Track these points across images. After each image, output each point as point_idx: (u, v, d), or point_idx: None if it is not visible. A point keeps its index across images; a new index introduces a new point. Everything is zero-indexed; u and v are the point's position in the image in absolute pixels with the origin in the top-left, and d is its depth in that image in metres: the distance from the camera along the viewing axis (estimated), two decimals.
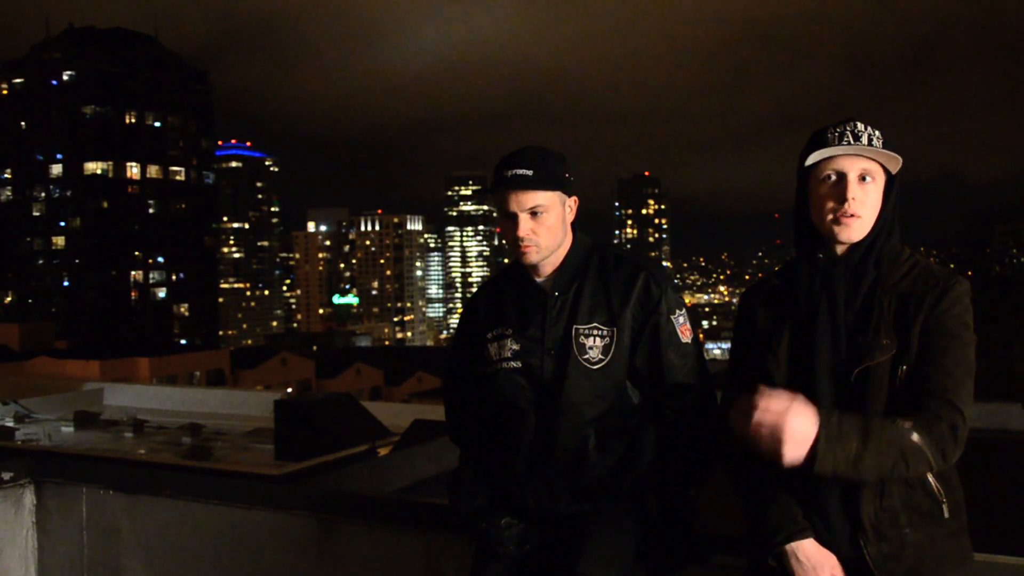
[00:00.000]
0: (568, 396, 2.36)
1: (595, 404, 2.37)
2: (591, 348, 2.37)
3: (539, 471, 2.38)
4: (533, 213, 2.36)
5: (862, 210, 2.09)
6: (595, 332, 2.38)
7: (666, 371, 2.37)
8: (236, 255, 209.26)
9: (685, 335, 2.40)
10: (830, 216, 2.10)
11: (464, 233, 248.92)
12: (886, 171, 2.12)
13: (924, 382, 1.99)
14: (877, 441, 1.92)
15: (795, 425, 1.90)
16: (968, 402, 1.99)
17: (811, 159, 2.11)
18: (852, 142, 2.07)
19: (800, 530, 2.03)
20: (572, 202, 2.46)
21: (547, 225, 2.38)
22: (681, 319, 2.40)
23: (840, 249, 2.13)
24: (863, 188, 2.09)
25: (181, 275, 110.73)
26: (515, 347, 2.43)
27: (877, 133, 2.09)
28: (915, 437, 1.93)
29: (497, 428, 2.48)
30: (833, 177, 2.10)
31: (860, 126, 2.09)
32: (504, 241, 2.45)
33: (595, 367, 2.36)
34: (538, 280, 2.46)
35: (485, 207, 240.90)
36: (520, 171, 2.34)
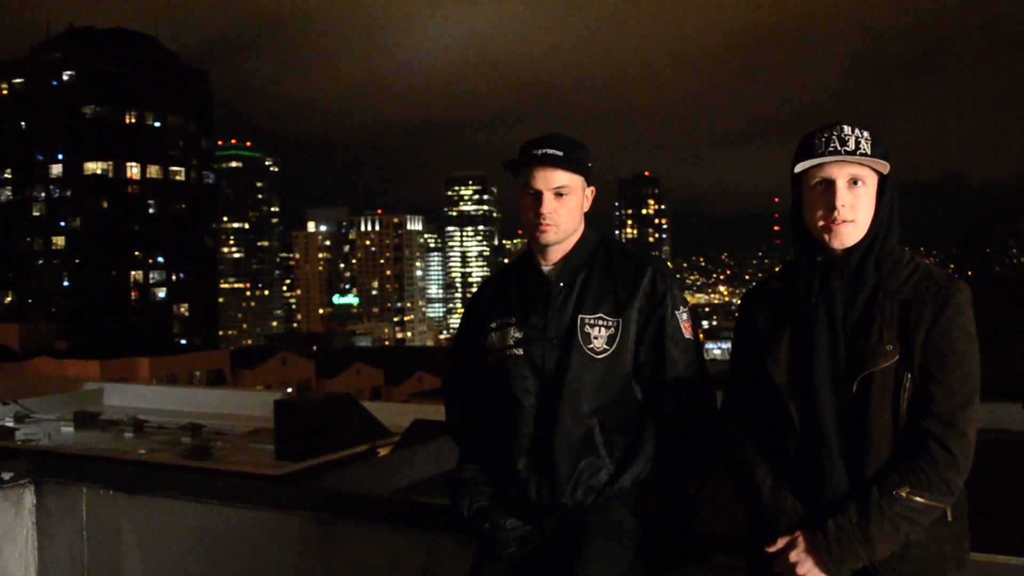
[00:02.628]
0: (570, 384, 2.36)
1: (597, 394, 2.37)
2: (596, 338, 2.38)
3: (541, 461, 2.38)
4: (558, 194, 2.39)
5: (853, 215, 2.08)
6: (600, 322, 2.39)
7: (668, 365, 2.37)
8: (236, 255, 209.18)
9: (688, 331, 2.41)
10: (821, 223, 2.10)
11: (464, 233, 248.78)
12: (877, 171, 2.12)
13: (928, 403, 1.99)
14: (880, 528, 1.95)
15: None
16: (973, 421, 1.99)
17: (799, 168, 2.12)
18: (839, 148, 2.06)
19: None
20: (590, 191, 2.49)
21: (568, 207, 2.41)
22: (684, 315, 2.42)
23: (838, 252, 2.13)
24: (853, 193, 2.09)
25: (181, 275, 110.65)
26: (518, 335, 2.44)
27: (866, 135, 2.08)
28: (917, 499, 1.95)
29: (499, 419, 2.48)
30: (822, 184, 2.10)
31: (847, 130, 2.07)
32: (521, 221, 2.47)
33: (599, 356, 2.37)
34: (544, 269, 2.48)
35: (485, 207, 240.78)
36: (550, 151, 2.39)
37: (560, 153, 2.39)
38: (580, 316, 2.40)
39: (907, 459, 1.98)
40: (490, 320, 2.52)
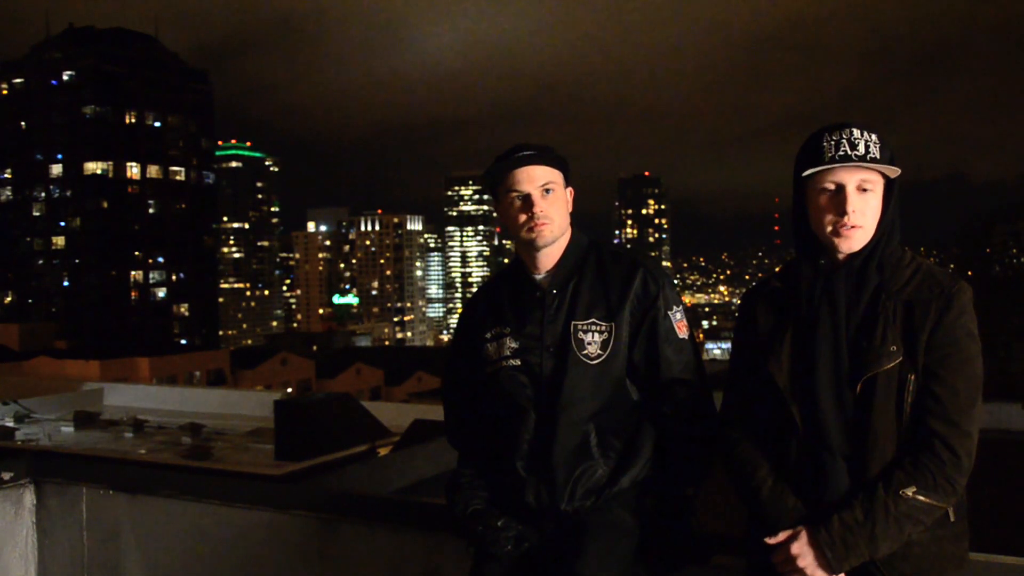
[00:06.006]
0: (567, 392, 2.36)
1: (594, 400, 2.37)
2: (590, 344, 2.37)
3: (540, 468, 2.38)
4: (546, 190, 2.40)
5: (862, 220, 2.07)
6: (594, 328, 2.38)
7: (662, 366, 2.37)
8: (236, 255, 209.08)
9: (682, 331, 2.40)
10: (830, 227, 2.09)
11: (464, 233, 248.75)
12: (885, 175, 2.11)
13: (933, 403, 2.00)
14: (885, 527, 1.95)
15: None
16: (976, 421, 2.00)
17: (808, 173, 2.09)
18: (849, 152, 2.04)
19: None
20: (570, 192, 2.49)
21: (557, 205, 2.42)
22: (678, 315, 2.41)
23: (841, 255, 2.12)
24: (862, 198, 2.08)
25: (181, 275, 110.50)
26: (514, 345, 2.44)
27: (874, 138, 2.06)
28: (922, 499, 1.95)
29: (497, 428, 2.48)
30: (832, 188, 2.08)
31: (856, 133, 2.05)
32: (510, 229, 2.45)
33: (594, 362, 2.37)
34: (536, 277, 2.47)
35: (485, 207, 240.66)
36: (527, 152, 2.41)
37: (536, 152, 2.41)
38: (572, 323, 2.39)
39: (913, 458, 1.98)
40: (485, 330, 2.51)
